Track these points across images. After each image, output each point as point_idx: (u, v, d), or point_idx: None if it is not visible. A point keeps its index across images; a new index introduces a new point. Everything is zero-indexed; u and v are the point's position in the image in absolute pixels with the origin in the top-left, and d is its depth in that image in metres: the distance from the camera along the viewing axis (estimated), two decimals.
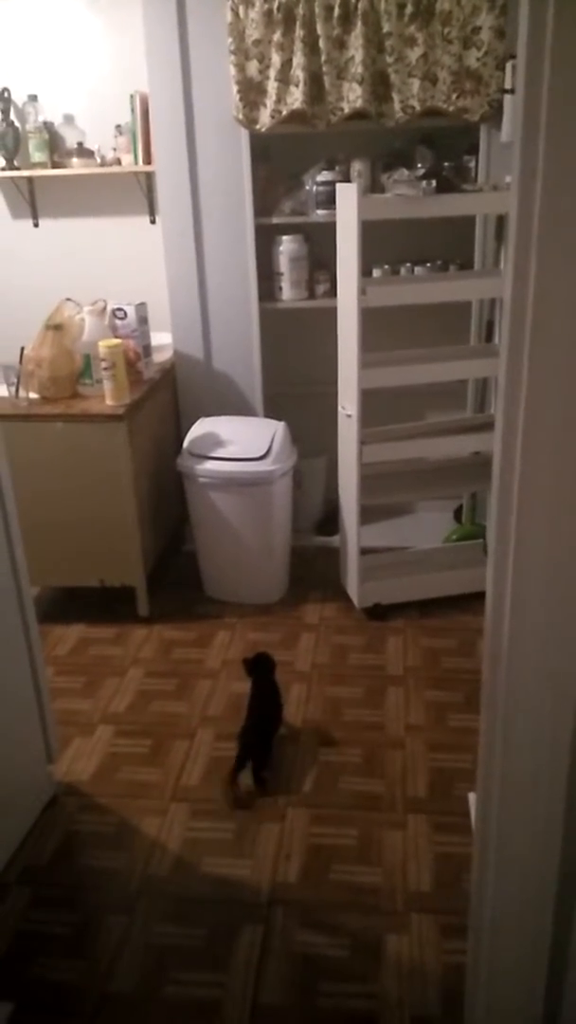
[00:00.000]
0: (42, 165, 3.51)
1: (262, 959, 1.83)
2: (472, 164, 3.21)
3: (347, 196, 2.73)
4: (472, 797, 2.13)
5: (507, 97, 2.91)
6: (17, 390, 3.01)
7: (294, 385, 3.68)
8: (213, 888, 2.03)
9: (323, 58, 2.97)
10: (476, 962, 1.52)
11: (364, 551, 3.15)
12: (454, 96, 2.99)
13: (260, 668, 2.51)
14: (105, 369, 2.92)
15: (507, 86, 2.92)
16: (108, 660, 2.98)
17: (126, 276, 3.62)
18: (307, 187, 3.32)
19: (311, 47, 2.96)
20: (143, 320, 3.17)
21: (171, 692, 2.78)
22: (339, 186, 2.88)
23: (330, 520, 3.62)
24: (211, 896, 2.01)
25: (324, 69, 2.99)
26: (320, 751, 2.47)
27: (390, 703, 2.69)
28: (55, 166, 3.53)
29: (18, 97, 3.48)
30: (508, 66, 2.90)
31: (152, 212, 3.65)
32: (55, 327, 2.99)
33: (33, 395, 3.03)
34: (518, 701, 1.29)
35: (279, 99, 3.03)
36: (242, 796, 2.31)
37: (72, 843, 2.18)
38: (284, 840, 2.16)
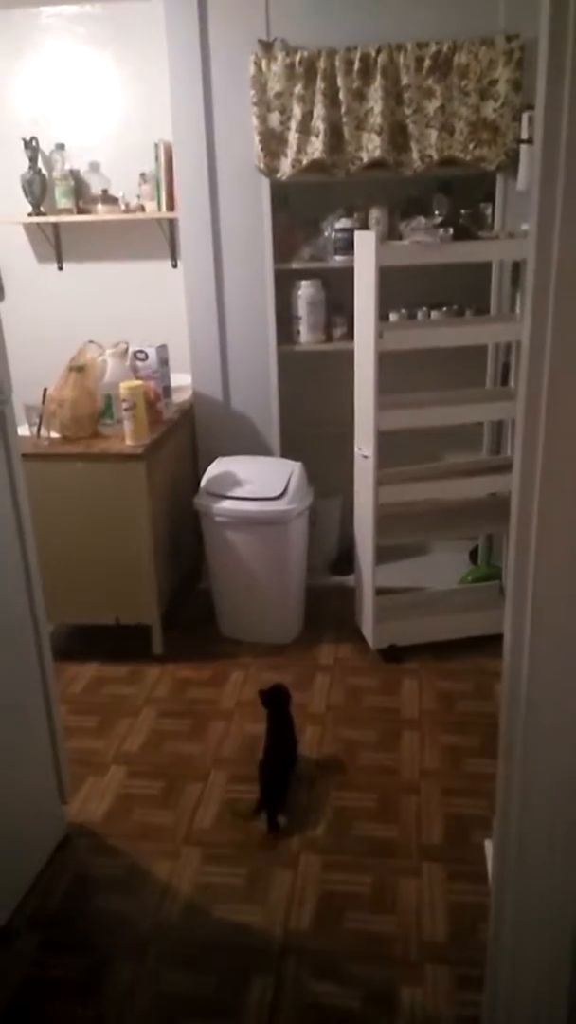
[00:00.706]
0: (68, 211, 3.60)
1: (273, 1010, 1.80)
2: (488, 211, 3.27)
3: (365, 243, 2.78)
4: (488, 845, 2.09)
5: (523, 147, 2.97)
6: (39, 430, 3.05)
7: (310, 426, 3.71)
8: (224, 934, 2.00)
9: (343, 109, 3.05)
10: (492, 1015, 1.48)
11: (379, 591, 3.15)
12: (471, 146, 3.05)
13: (276, 700, 2.50)
14: (126, 410, 2.96)
15: (523, 136, 2.97)
16: (122, 699, 2.97)
17: (148, 319, 3.68)
18: (326, 233, 3.38)
19: (331, 99, 3.04)
20: (164, 362, 3.22)
21: (185, 732, 2.77)
22: (357, 233, 2.94)
23: (345, 559, 3.62)
24: (222, 943, 1.98)
25: (344, 120, 3.06)
26: (334, 795, 2.45)
27: (405, 747, 2.66)
28: (80, 212, 3.62)
29: (45, 146, 3.59)
30: (524, 117, 2.96)
31: (174, 257, 3.72)
32: (78, 368, 3.04)
33: (55, 435, 3.08)
34: (536, 748, 1.28)
35: (299, 149, 3.11)
36: (259, 833, 2.31)
37: (83, 886, 2.16)
38: (297, 886, 2.13)
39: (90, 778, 2.55)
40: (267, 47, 3.03)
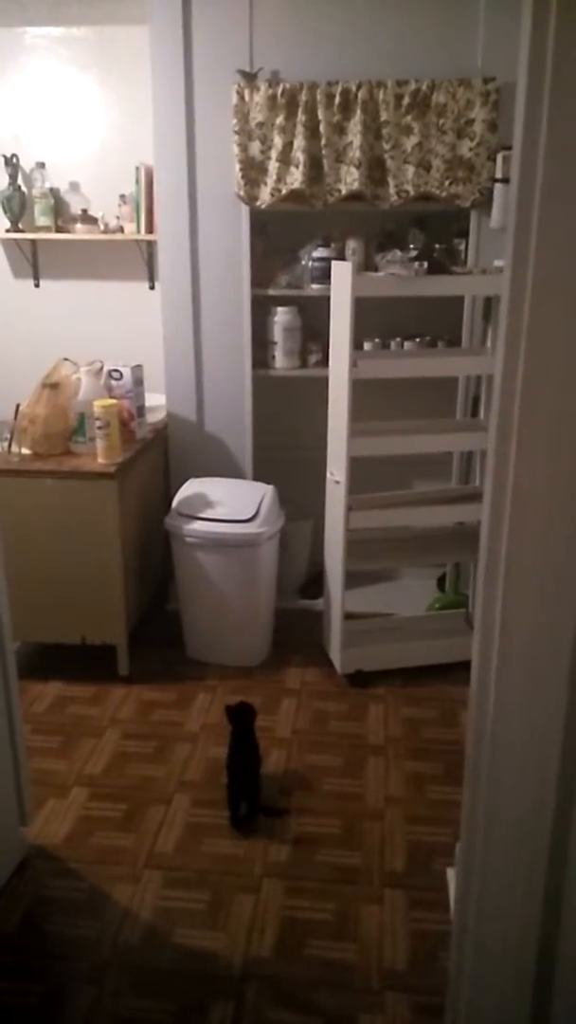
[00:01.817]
0: (46, 229, 3.61)
1: None
2: (462, 247, 3.34)
3: (342, 273, 2.83)
4: (450, 873, 2.10)
5: (497, 186, 3.05)
6: (10, 445, 3.04)
7: (283, 449, 3.73)
8: (185, 960, 1.98)
9: (323, 142, 3.11)
10: None
11: (348, 616, 3.16)
12: (447, 183, 3.13)
13: (241, 717, 2.49)
14: (99, 428, 2.96)
15: (497, 175, 3.06)
16: (86, 720, 2.94)
17: (123, 339, 3.70)
18: (303, 262, 3.43)
19: (312, 131, 3.10)
20: (139, 382, 3.22)
21: (148, 755, 2.75)
22: (334, 263, 2.99)
23: (314, 583, 3.64)
24: (182, 968, 1.95)
25: (324, 152, 3.12)
26: (298, 821, 2.44)
27: (370, 773, 2.66)
28: (59, 230, 3.64)
29: (26, 163, 3.61)
30: (499, 157, 3.04)
31: (152, 278, 3.75)
32: (51, 385, 3.04)
33: (26, 451, 3.06)
34: (502, 776, 1.29)
35: (279, 178, 3.15)
36: (243, 818, 2.41)
37: (41, 909, 2.12)
38: (259, 912, 2.11)
39: (51, 800, 2.52)
40: (250, 78, 3.09)
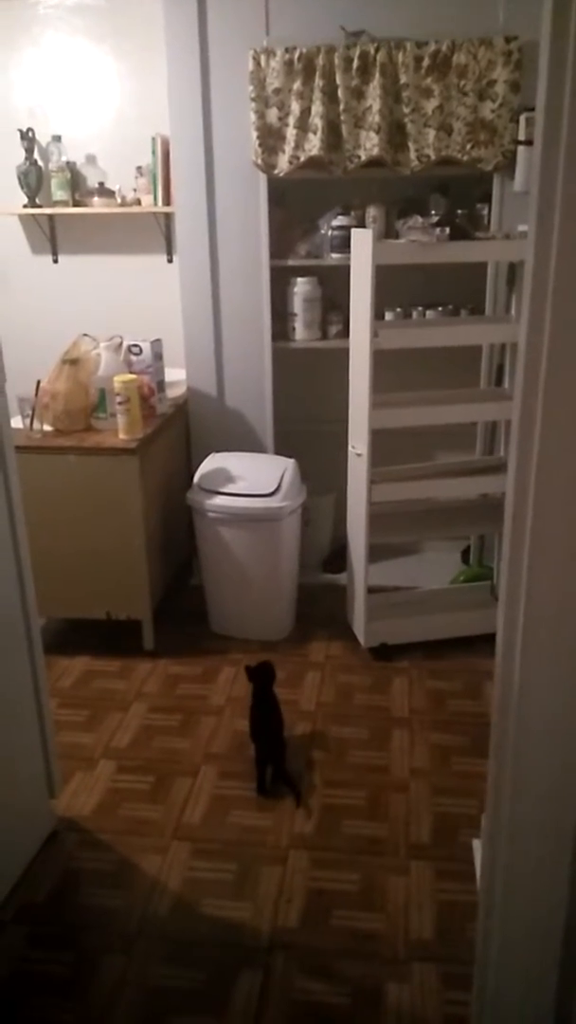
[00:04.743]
0: (63, 203, 3.59)
1: (261, 1006, 1.80)
2: (485, 212, 3.27)
3: (362, 241, 2.78)
4: (476, 844, 2.10)
5: (520, 148, 2.97)
6: (32, 422, 3.04)
7: (304, 423, 3.71)
8: (213, 930, 2.00)
9: (341, 107, 3.04)
10: (480, 1014, 1.49)
11: (371, 590, 3.15)
12: (468, 146, 3.05)
13: (261, 677, 2.51)
14: (119, 404, 2.95)
15: (520, 137, 2.98)
16: (112, 694, 2.96)
17: (142, 313, 3.67)
18: (322, 231, 3.38)
19: (330, 96, 3.03)
20: (158, 356, 3.21)
21: (175, 728, 2.77)
22: (354, 231, 2.94)
23: (337, 557, 3.62)
24: (211, 939, 1.98)
25: (342, 118, 3.06)
26: (324, 792, 2.45)
27: (395, 745, 2.66)
28: (76, 204, 3.61)
29: (42, 137, 3.57)
30: (522, 118, 2.96)
31: (170, 251, 3.71)
32: (71, 361, 3.03)
33: (47, 427, 3.06)
34: (528, 750, 1.28)
35: (297, 145, 3.10)
36: (268, 784, 2.45)
37: (71, 880, 2.16)
38: (285, 883, 2.13)
39: (79, 772, 2.55)
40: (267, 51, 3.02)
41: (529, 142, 2.83)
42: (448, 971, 1.87)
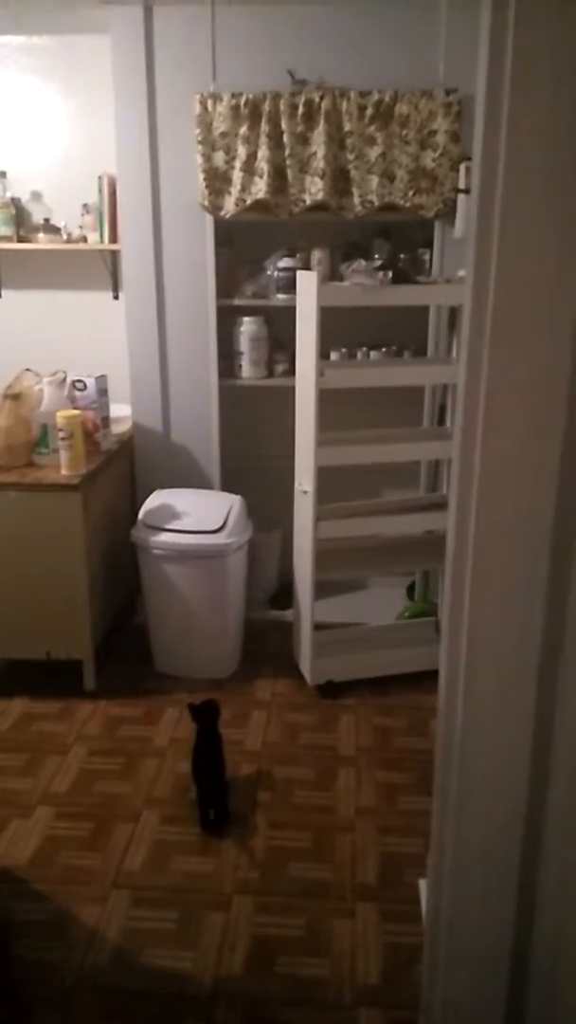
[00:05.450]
0: (7, 239, 3.57)
1: None
2: (427, 257, 3.36)
3: (307, 283, 2.82)
4: (422, 884, 2.09)
5: (460, 196, 3.07)
6: None
7: (251, 459, 3.72)
8: (154, 981, 1.94)
9: (287, 152, 3.11)
10: None
11: (318, 626, 3.14)
12: (411, 193, 3.14)
13: (205, 715, 2.47)
14: (62, 439, 2.92)
15: (460, 186, 3.08)
16: (51, 737, 2.88)
17: (88, 349, 3.66)
18: (268, 272, 3.42)
19: (275, 141, 3.10)
20: (103, 392, 3.19)
21: (116, 772, 2.70)
22: (300, 273, 2.98)
23: (284, 594, 3.61)
24: (152, 989, 1.91)
25: (288, 162, 3.12)
26: (269, 835, 2.41)
27: (341, 785, 2.64)
28: (21, 240, 3.59)
29: None
30: (462, 167, 3.06)
31: (116, 288, 3.71)
32: (13, 396, 2.99)
33: None
34: (471, 785, 1.28)
35: (243, 188, 3.15)
36: (212, 821, 2.42)
37: (5, 933, 2.07)
38: (229, 930, 2.08)
39: (15, 820, 2.46)
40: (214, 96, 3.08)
41: (468, 190, 2.93)
42: (395, 1016, 1.84)
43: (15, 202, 3.58)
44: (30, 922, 2.10)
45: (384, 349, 3.51)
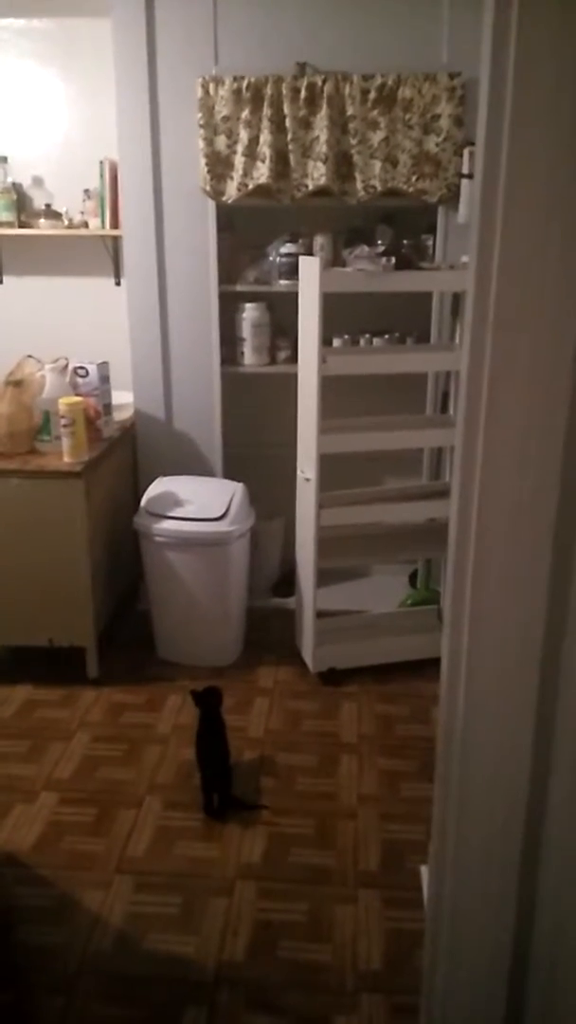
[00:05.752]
0: (9, 224, 3.55)
1: None
2: (430, 243, 3.33)
3: (310, 269, 2.80)
4: (424, 870, 2.09)
5: (464, 181, 3.05)
6: None
7: (253, 447, 3.71)
8: (157, 966, 1.95)
9: (289, 136, 3.08)
10: None
11: (320, 614, 3.15)
12: (414, 178, 3.12)
13: (208, 701, 2.47)
14: (64, 426, 2.91)
15: (464, 171, 3.05)
16: (54, 723, 2.89)
17: (89, 335, 3.64)
18: (271, 258, 3.40)
19: (278, 125, 3.07)
20: (105, 379, 3.18)
21: (119, 758, 2.71)
22: (302, 259, 2.97)
23: (286, 581, 3.62)
24: (155, 974, 1.93)
25: (290, 147, 3.10)
26: (271, 821, 2.42)
27: (343, 772, 2.65)
28: (22, 226, 3.57)
29: None
30: (465, 152, 3.04)
31: (117, 274, 3.70)
32: (15, 383, 2.98)
33: None
34: (472, 772, 1.28)
35: (246, 173, 3.12)
36: (215, 807, 2.43)
37: (8, 918, 2.08)
38: (232, 915, 2.09)
39: (19, 805, 2.47)
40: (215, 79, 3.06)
41: (472, 175, 2.90)
42: (397, 1002, 1.85)
43: (16, 187, 3.56)
44: (33, 907, 2.12)
45: (387, 336, 3.49)
